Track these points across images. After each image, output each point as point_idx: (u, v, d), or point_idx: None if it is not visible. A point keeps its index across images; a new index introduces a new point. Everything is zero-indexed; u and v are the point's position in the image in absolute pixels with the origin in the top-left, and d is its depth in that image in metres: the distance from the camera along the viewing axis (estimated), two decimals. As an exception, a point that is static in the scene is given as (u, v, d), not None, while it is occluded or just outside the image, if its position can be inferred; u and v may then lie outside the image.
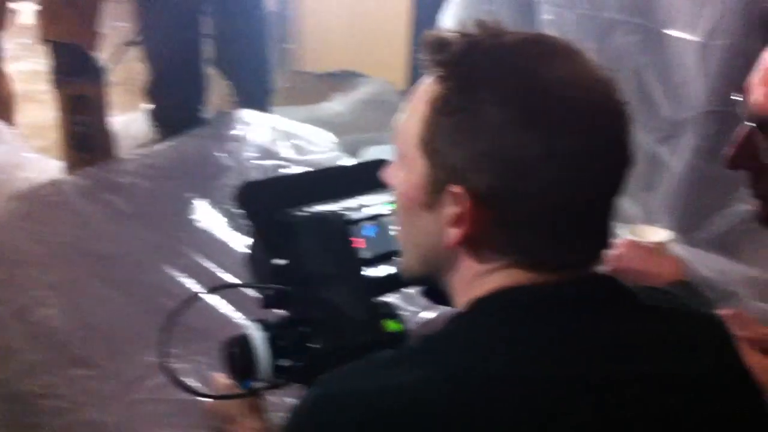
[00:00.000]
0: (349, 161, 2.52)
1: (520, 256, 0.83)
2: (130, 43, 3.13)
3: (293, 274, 1.18)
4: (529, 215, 0.81)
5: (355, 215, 1.19)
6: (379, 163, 1.29)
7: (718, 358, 0.88)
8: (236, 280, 1.88)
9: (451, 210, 0.83)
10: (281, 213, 1.20)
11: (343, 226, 1.15)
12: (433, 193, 0.85)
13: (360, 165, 1.35)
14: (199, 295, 1.35)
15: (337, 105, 3.68)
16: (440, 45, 0.84)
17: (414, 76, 3.83)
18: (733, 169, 1.05)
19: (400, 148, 0.89)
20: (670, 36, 2.25)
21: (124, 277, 1.97)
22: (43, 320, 1.85)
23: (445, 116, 0.82)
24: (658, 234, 1.48)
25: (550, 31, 2.53)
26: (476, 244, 0.84)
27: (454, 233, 0.83)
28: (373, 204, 1.23)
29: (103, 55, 2.64)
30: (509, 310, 0.83)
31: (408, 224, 0.91)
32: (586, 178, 0.81)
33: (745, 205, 2.12)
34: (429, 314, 1.73)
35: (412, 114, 0.86)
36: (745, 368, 0.88)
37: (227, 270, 1.97)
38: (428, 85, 0.85)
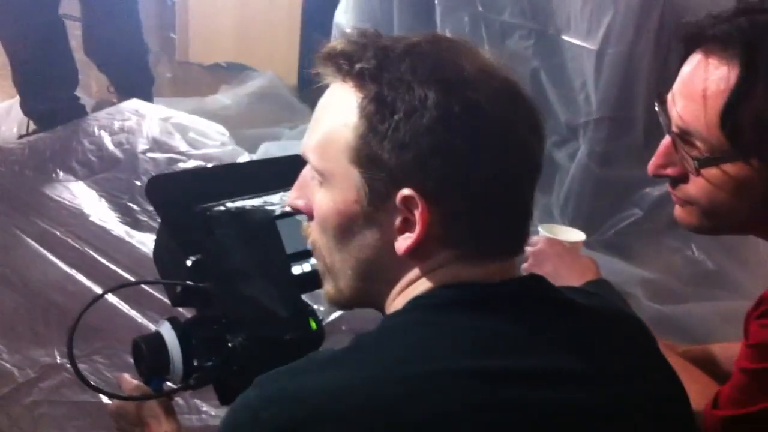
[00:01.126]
0: (245, 156, 2.47)
1: (458, 248, 0.82)
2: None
3: (210, 270, 1.14)
4: (468, 207, 0.81)
5: (275, 210, 1.16)
6: (293, 159, 1.27)
7: (647, 355, 0.90)
8: (132, 277, 1.81)
9: (398, 216, 0.81)
10: (195, 207, 1.16)
11: (272, 221, 1.12)
12: (373, 205, 0.82)
13: (273, 160, 1.32)
14: (105, 292, 1.28)
15: (225, 98, 3.60)
16: (353, 53, 0.82)
17: (302, 70, 3.80)
18: (658, 176, 1.10)
19: (321, 167, 0.85)
20: (566, 42, 2.31)
21: (12, 271, 1.86)
22: None
23: (380, 122, 0.80)
24: (572, 234, 1.52)
25: (444, 32, 2.55)
26: (422, 244, 0.82)
27: (405, 239, 0.82)
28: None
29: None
30: (444, 306, 0.82)
31: (342, 246, 0.86)
32: (510, 168, 0.81)
33: (636, 210, 2.21)
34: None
35: (334, 128, 0.83)
36: (671, 366, 0.91)
37: (121, 266, 1.89)
38: (347, 96, 0.82)
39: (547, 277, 0.88)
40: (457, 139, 0.79)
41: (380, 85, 0.80)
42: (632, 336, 0.91)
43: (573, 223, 2.11)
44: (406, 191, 0.80)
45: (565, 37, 2.30)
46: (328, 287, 0.90)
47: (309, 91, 3.63)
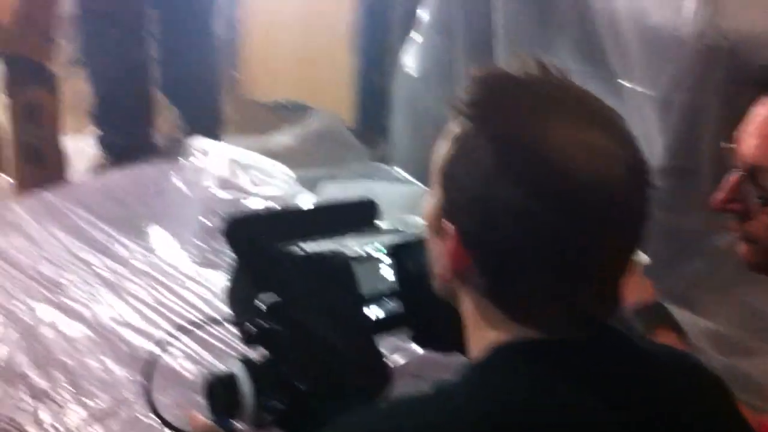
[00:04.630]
0: (307, 196, 2.51)
1: (508, 310, 0.84)
2: (76, 63, 3.08)
3: (283, 311, 1.17)
4: (509, 272, 0.82)
5: (350, 254, 1.19)
6: (366, 203, 1.30)
7: (724, 409, 0.91)
8: (202, 316, 1.85)
9: (446, 243, 0.85)
10: (271, 249, 1.19)
11: (347, 263, 1.14)
12: (440, 223, 0.87)
13: (347, 204, 1.35)
14: (180, 331, 1.31)
15: (286, 137, 3.67)
16: (474, 83, 0.86)
17: (360, 110, 3.85)
18: (721, 211, 1.12)
19: (433, 170, 0.90)
20: (627, 88, 2.30)
21: (80, 307, 1.92)
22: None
23: (454, 156, 0.85)
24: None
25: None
26: (472, 285, 0.86)
27: (447, 265, 0.87)
28: (363, 243, 1.23)
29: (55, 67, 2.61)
30: (523, 362, 0.83)
31: (430, 243, 0.93)
32: (566, 245, 0.80)
33: (702, 259, 2.18)
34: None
35: (441, 144, 0.88)
36: (748, 423, 0.91)
37: (190, 304, 1.94)
38: (456, 122, 0.86)
39: None
40: (501, 201, 0.80)
41: (468, 122, 0.84)
42: (711, 394, 0.91)
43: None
44: (448, 224, 0.85)
45: (626, 83, 2.29)
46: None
47: (367, 131, 3.69)
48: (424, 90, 3.00)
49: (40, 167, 2.55)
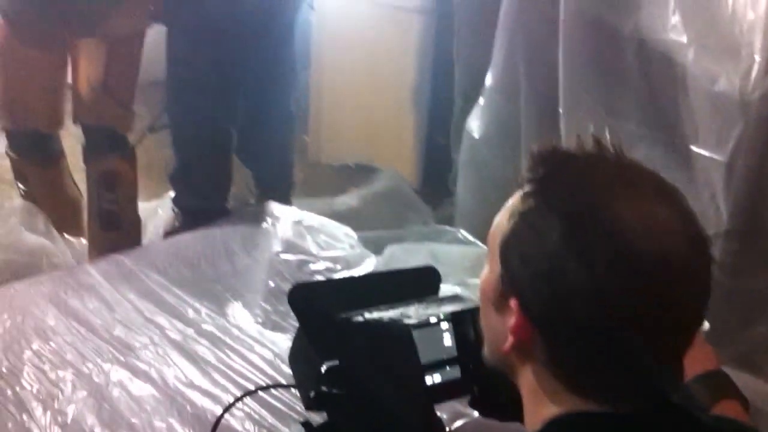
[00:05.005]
0: (371, 259, 2.55)
1: (569, 383, 0.85)
2: (152, 129, 3.20)
3: (344, 377, 1.19)
4: (574, 346, 0.83)
5: (411, 322, 1.21)
6: (428, 270, 1.33)
7: None
8: (265, 378, 1.88)
9: (510, 318, 0.86)
10: (334, 316, 1.22)
11: (408, 332, 1.16)
12: (501, 297, 0.88)
13: (409, 271, 1.38)
14: (243, 395, 1.34)
15: (352, 199, 3.72)
16: (536, 160, 0.88)
17: (425, 171, 3.89)
18: None
19: (490, 244, 0.92)
20: (694, 152, 2.29)
21: (149, 368, 1.97)
22: (66, 409, 1.84)
23: (518, 231, 0.86)
24: None
25: (570, 138, 2.57)
26: (534, 360, 0.87)
27: (509, 340, 0.87)
28: (424, 310, 1.25)
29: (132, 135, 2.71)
30: None
31: (484, 315, 0.95)
32: (633, 324, 0.81)
33: None
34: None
35: (501, 219, 0.90)
36: None
37: (254, 366, 1.97)
38: (518, 197, 0.88)
39: None
40: (568, 280, 0.81)
41: (532, 199, 0.86)
42: None
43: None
44: (514, 300, 0.85)
45: (693, 148, 2.28)
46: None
47: (432, 192, 3.73)
48: (488, 152, 3.02)
49: (116, 232, 2.62)
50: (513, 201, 0.89)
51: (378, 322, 1.19)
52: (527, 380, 0.89)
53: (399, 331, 1.16)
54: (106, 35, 2.51)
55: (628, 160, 0.87)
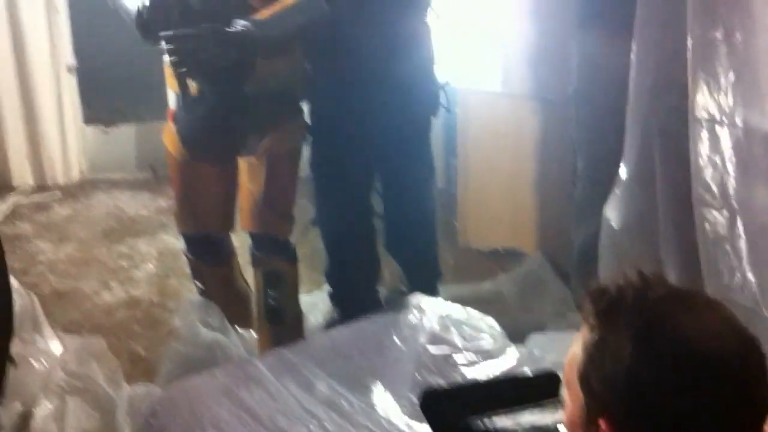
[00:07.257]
0: (512, 349, 2.67)
1: None
2: (315, 223, 3.42)
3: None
4: None
5: (527, 427, 1.36)
6: (549, 376, 1.48)
7: None
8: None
9: None
10: (458, 423, 1.39)
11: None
12: (588, 423, 1.01)
13: (533, 378, 1.54)
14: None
15: (497, 285, 3.82)
16: (594, 297, 1.03)
17: (574, 254, 3.94)
18: None
19: (567, 378, 1.06)
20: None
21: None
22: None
23: (595, 359, 1.01)
24: None
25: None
26: None
27: None
28: (543, 415, 1.40)
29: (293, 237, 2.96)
30: None
31: None
32: (709, 420, 0.94)
33: None
34: None
35: (575, 352, 1.04)
36: None
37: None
38: (584, 330, 1.03)
39: None
40: (644, 389, 0.95)
41: (599, 331, 1.01)
42: None
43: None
44: (601, 419, 0.98)
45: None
46: None
47: (581, 278, 3.77)
48: (626, 242, 3.08)
49: (280, 326, 2.87)
50: (582, 335, 1.03)
51: (502, 428, 1.35)
52: None
53: None
54: (265, 152, 2.78)
55: (671, 285, 1.03)
